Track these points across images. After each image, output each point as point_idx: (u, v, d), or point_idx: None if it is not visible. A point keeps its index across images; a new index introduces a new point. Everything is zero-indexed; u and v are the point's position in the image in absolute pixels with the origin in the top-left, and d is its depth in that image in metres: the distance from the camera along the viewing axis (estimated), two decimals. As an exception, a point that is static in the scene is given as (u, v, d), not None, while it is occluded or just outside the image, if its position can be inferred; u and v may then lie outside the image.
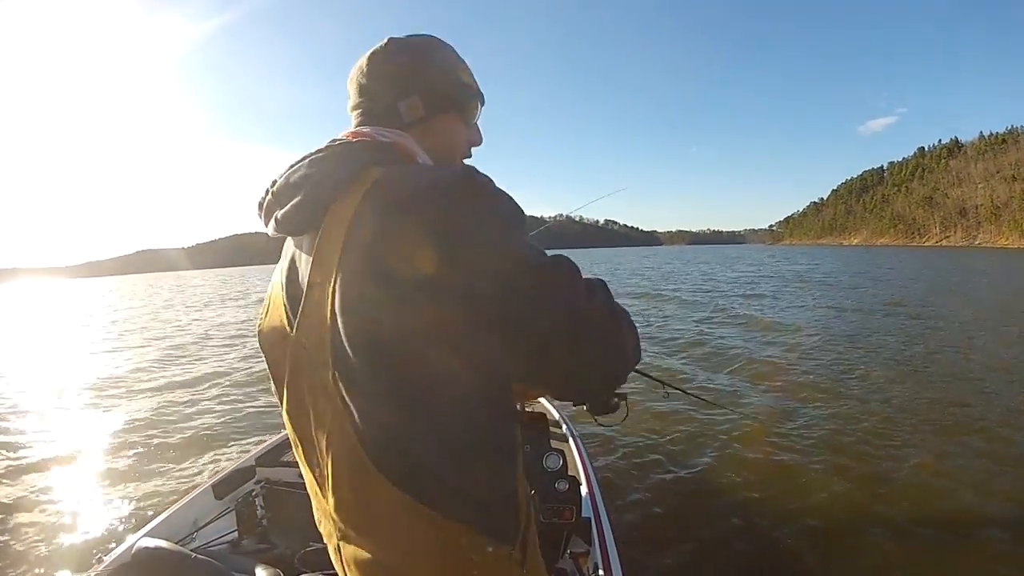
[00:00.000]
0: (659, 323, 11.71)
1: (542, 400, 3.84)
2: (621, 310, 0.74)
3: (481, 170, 0.71)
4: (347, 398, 0.69)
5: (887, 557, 2.89)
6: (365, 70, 0.84)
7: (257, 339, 0.86)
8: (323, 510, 0.79)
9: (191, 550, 1.62)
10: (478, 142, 0.93)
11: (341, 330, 0.67)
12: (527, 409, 3.76)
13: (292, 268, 0.79)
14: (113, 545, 3.13)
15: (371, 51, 0.85)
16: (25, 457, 4.87)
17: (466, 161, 0.92)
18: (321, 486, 0.77)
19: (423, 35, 0.87)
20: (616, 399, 1.26)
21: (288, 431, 0.81)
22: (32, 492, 4.08)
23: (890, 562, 2.86)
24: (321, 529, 0.84)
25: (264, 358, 0.84)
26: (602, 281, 0.73)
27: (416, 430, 0.69)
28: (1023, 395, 5.53)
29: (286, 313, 0.77)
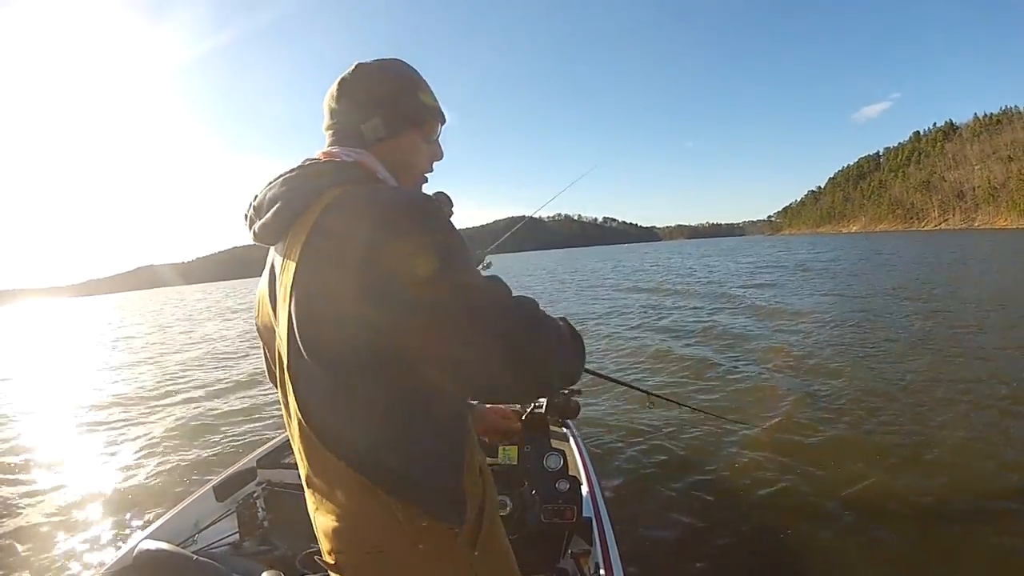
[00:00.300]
0: (665, 315, 11.70)
1: (542, 400, 3.84)
2: (553, 324, 0.83)
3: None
4: (296, 386, 0.81)
5: (890, 556, 2.86)
6: (335, 94, 0.94)
7: (256, 329, 0.98)
8: (307, 481, 0.90)
9: (192, 552, 1.63)
10: (439, 157, 1.02)
11: (295, 327, 0.77)
12: (527, 409, 3.76)
13: (272, 272, 0.89)
14: (114, 547, 3.16)
15: (340, 77, 0.94)
16: (27, 461, 4.91)
17: (427, 175, 1.02)
18: (300, 465, 0.89)
19: (389, 59, 0.96)
20: (573, 402, 1.34)
21: (284, 415, 0.91)
22: (34, 495, 4.11)
23: (892, 560, 2.83)
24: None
25: (264, 349, 0.99)
26: (532, 299, 0.80)
27: (355, 419, 0.79)
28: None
29: (272, 311, 0.87)
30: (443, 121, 1.01)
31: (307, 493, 0.90)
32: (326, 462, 0.82)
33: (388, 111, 0.92)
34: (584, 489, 2.24)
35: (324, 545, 0.89)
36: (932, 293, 12.32)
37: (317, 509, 0.89)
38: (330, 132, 0.95)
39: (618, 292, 18.68)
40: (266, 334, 0.94)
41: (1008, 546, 2.82)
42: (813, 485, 3.64)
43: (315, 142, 1.05)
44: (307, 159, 0.91)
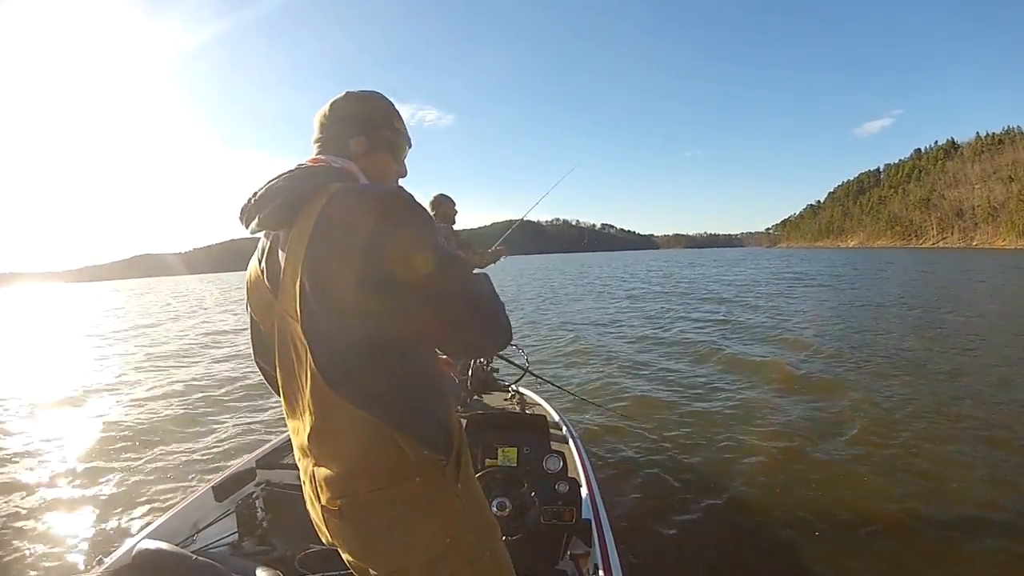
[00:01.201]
0: (665, 325, 11.72)
1: (542, 403, 3.85)
2: (497, 295, 1.05)
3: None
4: (310, 343, 0.96)
5: (891, 557, 2.89)
6: (327, 113, 1.15)
7: (248, 309, 1.17)
8: (302, 448, 1.08)
9: (191, 552, 1.62)
10: (404, 174, 1.23)
11: (309, 293, 0.94)
12: (527, 412, 3.78)
13: (271, 255, 1.07)
14: (114, 547, 3.13)
15: (332, 100, 1.16)
16: (26, 460, 4.88)
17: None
18: (300, 428, 1.06)
19: (372, 92, 1.19)
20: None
21: (280, 385, 1.09)
22: (33, 494, 4.09)
23: (893, 562, 2.86)
24: (300, 469, 1.11)
25: (254, 322, 1.17)
26: (486, 274, 1.06)
27: (364, 363, 0.97)
28: None
29: (269, 288, 1.07)
30: (410, 146, 1.24)
31: (304, 457, 1.08)
32: (338, 409, 0.98)
33: (371, 132, 1.15)
34: (583, 491, 2.25)
35: (324, 495, 1.04)
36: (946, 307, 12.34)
37: (318, 463, 1.04)
38: (318, 144, 1.15)
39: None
40: (261, 310, 1.12)
41: (1008, 551, 2.86)
42: (811, 488, 3.67)
43: (308, 140, 1.20)
44: (300, 164, 1.09)
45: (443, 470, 1.03)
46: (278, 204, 1.01)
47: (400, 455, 0.99)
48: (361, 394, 0.97)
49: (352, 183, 1.04)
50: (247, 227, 1.07)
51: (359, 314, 0.93)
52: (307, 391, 1.00)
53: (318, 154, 1.14)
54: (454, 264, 0.97)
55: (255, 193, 1.05)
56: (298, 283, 0.96)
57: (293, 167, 1.08)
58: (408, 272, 0.92)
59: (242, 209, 1.08)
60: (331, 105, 1.15)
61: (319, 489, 1.04)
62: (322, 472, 1.04)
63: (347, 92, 1.16)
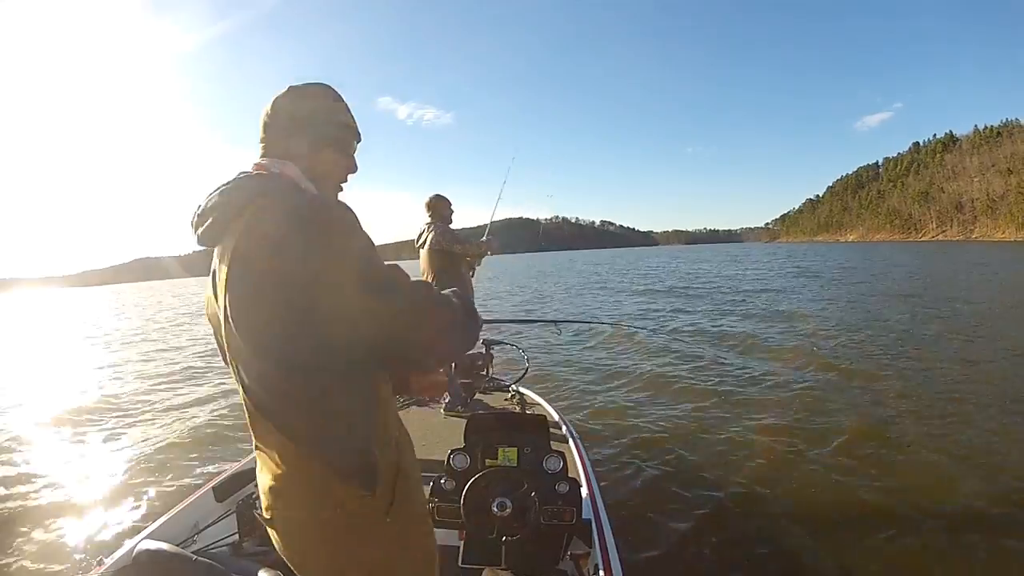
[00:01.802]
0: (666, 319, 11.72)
1: (542, 403, 3.85)
2: (444, 303, 1.02)
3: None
4: (237, 366, 0.99)
5: (892, 557, 2.88)
6: (270, 112, 1.11)
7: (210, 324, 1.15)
8: (255, 447, 1.08)
9: (192, 552, 1.62)
10: (354, 170, 1.19)
11: (230, 314, 0.95)
12: (527, 412, 3.78)
13: (215, 271, 1.05)
14: (114, 547, 3.14)
15: (275, 96, 1.11)
16: (27, 461, 4.88)
17: (343, 185, 1.19)
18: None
19: (317, 84, 1.14)
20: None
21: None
22: (34, 495, 4.09)
23: (896, 561, 2.85)
24: None
25: (215, 332, 1.13)
26: (427, 283, 1.05)
27: (280, 388, 0.95)
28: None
29: (218, 304, 1.04)
30: (359, 139, 1.19)
31: (256, 455, 1.07)
32: (265, 429, 1.00)
33: (312, 130, 1.10)
34: (584, 491, 2.25)
35: (263, 501, 1.05)
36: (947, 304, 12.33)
37: (260, 470, 1.05)
38: (263, 145, 1.11)
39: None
40: (214, 323, 1.10)
41: (1010, 549, 2.85)
42: (812, 488, 3.67)
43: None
44: (242, 172, 1.07)
45: (366, 501, 0.98)
46: (211, 222, 1.01)
47: (324, 481, 0.97)
48: (279, 419, 0.97)
49: (281, 193, 0.99)
50: (195, 240, 1.07)
51: (271, 338, 0.92)
52: (244, 406, 1.03)
53: (262, 156, 1.11)
54: (383, 277, 0.93)
55: (199, 206, 1.04)
56: (223, 305, 0.96)
57: (236, 174, 1.06)
58: (323, 293, 0.89)
59: (190, 223, 1.07)
60: (273, 103, 1.11)
61: (263, 495, 1.05)
62: (261, 478, 1.05)
63: (289, 87, 1.12)
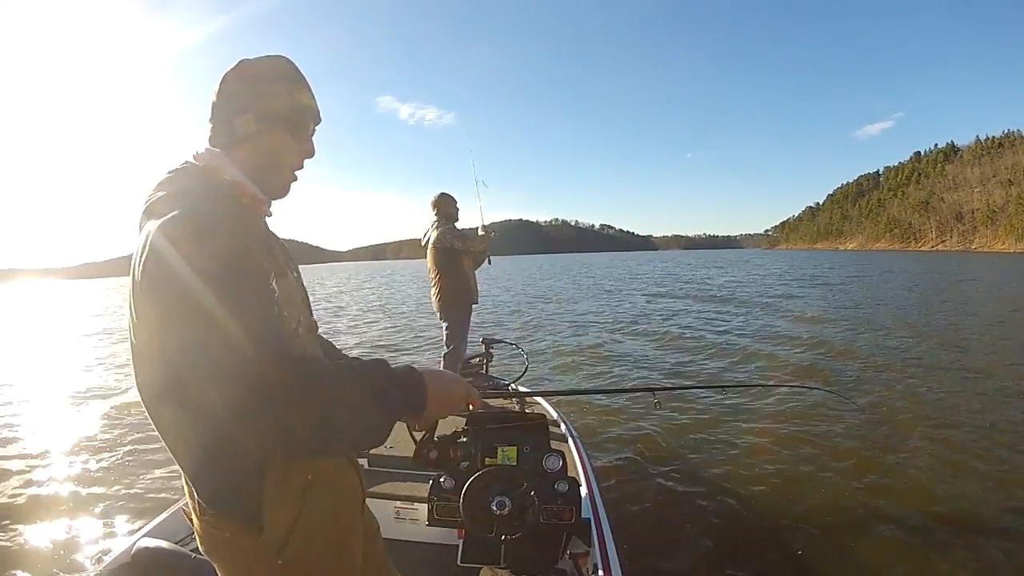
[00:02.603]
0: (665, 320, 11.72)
1: (541, 401, 3.84)
2: (331, 383, 0.82)
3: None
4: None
5: (891, 558, 2.89)
6: (217, 90, 0.99)
7: None
8: None
9: (190, 550, 1.61)
10: (311, 154, 1.05)
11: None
12: (526, 411, 3.77)
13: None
14: (113, 545, 3.12)
15: (224, 72, 0.98)
16: (25, 458, 4.86)
17: (297, 173, 1.06)
18: None
19: (273, 57, 1.01)
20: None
21: None
22: (33, 492, 4.07)
23: (891, 562, 2.86)
24: None
25: None
26: (314, 359, 0.93)
27: (158, 407, 0.90)
28: None
29: None
30: (317, 121, 1.05)
31: None
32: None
33: (262, 108, 0.97)
34: (583, 490, 2.24)
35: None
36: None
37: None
38: (210, 129, 1.00)
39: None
40: None
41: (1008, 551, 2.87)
42: (813, 488, 3.68)
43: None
44: (185, 161, 0.98)
45: (254, 538, 0.92)
46: (137, 226, 0.94)
47: (207, 512, 0.93)
48: (163, 436, 0.92)
49: (193, 195, 0.88)
50: None
51: (145, 351, 0.88)
52: None
53: (207, 141, 1.00)
54: (243, 304, 0.78)
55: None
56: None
57: (172, 168, 0.97)
58: (186, 315, 0.78)
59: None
60: (222, 80, 0.98)
61: None
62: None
63: (240, 61, 0.99)
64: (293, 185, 1.06)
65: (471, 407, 1.01)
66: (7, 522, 3.56)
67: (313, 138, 1.06)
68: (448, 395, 0.96)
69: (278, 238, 1.08)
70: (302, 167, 1.05)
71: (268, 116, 0.97)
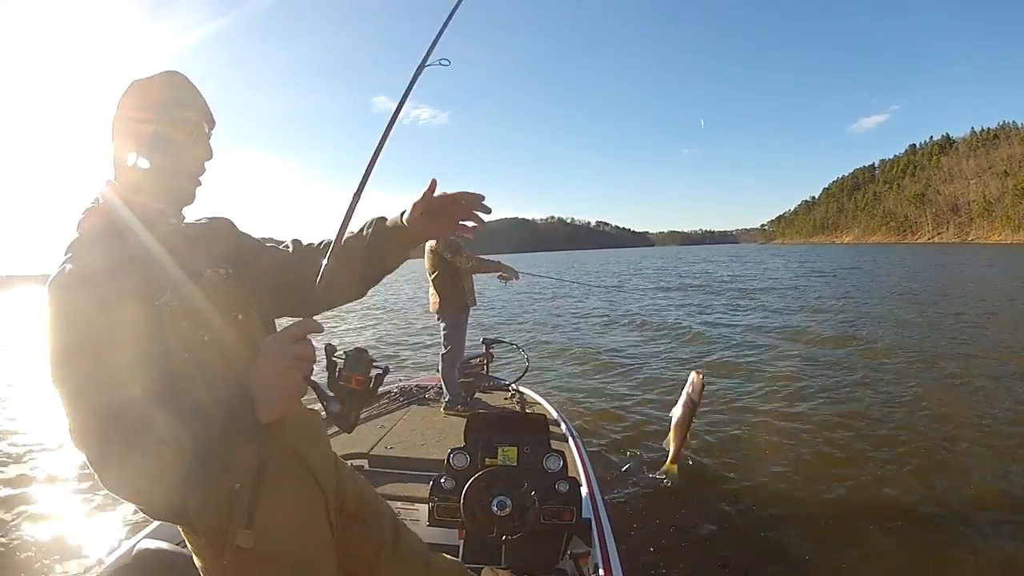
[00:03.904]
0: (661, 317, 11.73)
1: (542, 402, 3.85)
2: (142, 445, 0.92)
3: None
4: None
5: (892, 558, 2.88)
6: (115, 115, 0.99)
7: None
8: None
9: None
10: (209, 156, 1.06)
11: None
12: (527, 411, 3.78)
13: None
14: (115, 546, 3.12)
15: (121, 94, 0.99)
16: (27, 458, 4.84)
17: (201, 177, 1.07)
18: None
19: (159, 74, 1.00)
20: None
21: None
22: (34, 493, 4.06)
23: (891, 564, 2.85)
24: None
25: None
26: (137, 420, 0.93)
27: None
28: None
29: None
30: (212, 125, 1.07)
31: None
32: None
33: (137, 132, 0.98)
34: (584, 490, 2.24)
35: None
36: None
37: None
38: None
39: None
40: None
41: (1010, 552, 2.86)
42: (812, 488, 3.66)
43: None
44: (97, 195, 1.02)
45: (199, 538, 1.05)
46: None
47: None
48: None
49: (85, 234, 0.99)
50: None
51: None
52: None
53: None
54: (79, 360, 0.88)
55: None
56: None
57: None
58: (53, 367, 0.90)
59: None
60: (118, 104, 1.00)
61: None
62: None
63: (132, 82, 1.00)
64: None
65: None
66: (8, 522, 3.56)
67: (210, 141, 1.08)
68: (280, 389, 0.90)
69: (208, 233, 1.13)
70: (203, 171, 1.07)
71: (146, 139, 0.99)
